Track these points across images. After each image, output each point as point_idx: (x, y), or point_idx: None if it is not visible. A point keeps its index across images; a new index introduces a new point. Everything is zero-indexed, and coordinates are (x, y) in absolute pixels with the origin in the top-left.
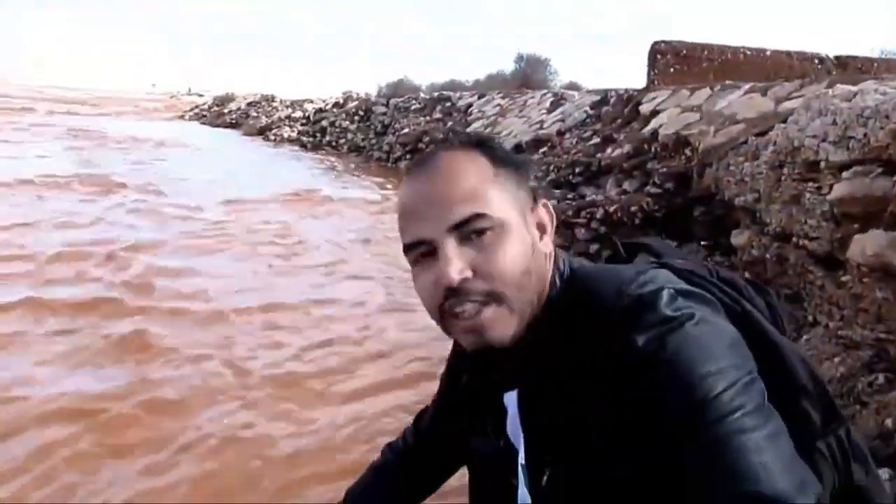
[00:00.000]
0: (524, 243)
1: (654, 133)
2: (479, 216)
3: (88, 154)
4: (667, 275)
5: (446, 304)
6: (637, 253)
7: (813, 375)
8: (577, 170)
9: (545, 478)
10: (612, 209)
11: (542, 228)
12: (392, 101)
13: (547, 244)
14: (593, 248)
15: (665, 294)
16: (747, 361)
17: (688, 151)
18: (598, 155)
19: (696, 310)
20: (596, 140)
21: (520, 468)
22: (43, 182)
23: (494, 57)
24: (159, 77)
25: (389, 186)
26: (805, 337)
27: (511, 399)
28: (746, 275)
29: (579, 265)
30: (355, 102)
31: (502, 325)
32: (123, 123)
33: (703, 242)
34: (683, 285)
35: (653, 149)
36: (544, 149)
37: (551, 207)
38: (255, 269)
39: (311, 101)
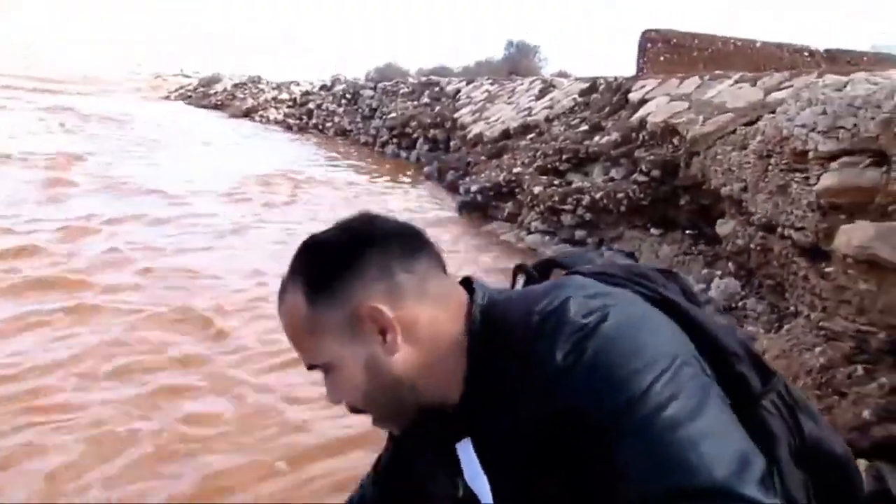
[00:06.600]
0: (355, 369)
1: (643, 121)
2: (312, 366)
3: (68, 133)
4: (577, 282)
5: None
6: (549, 271)
7: (740, 341)
8: (564, 156)
9: None
10: (598, 196)
11: (383, 331)
12: (380, 85)
13: (392, 344)
14: (579, 234)
15: (572, 303)
16: (675, 345)
17: (675, 140)
18: (586, 142)
19: (609, 307)
20: (584, 127)
21: None
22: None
23: (484, 43)
24: (145, 57)
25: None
26: (786, 327)
27: (464, 447)
28: (730, 265)
29: (492, 300)
30: (342, 85)
31: (383, 426)
32: (103, 102)
33: (688, 231)
34: (594, 288)
35: (641, 137)
36: (532, 135)
37: (380, 307)
38: None
39: (298, 84)
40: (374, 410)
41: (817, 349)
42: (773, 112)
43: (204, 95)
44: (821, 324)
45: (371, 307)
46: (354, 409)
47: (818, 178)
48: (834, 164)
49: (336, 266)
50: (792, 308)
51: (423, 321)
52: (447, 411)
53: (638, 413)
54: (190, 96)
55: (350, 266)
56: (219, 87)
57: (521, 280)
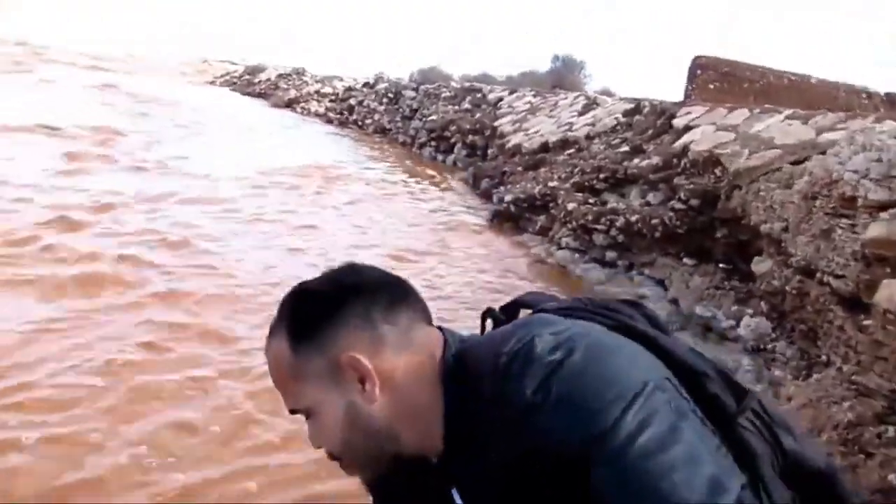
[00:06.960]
0: (335, 415)
1: (685, 148)
2: (294, 410)
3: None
4: (542, 319)
5: None
6: (516, 312)
7: (709, 362)
8: (602, 176)
9: None
10: (633, 219)
11: (362, 380)
12: (422, 87)
13: (371, 394)
14: (610, 255)
15: (538, 341)
16: (646, 371)
17: (718, 171)
18: (625, 163)
19: (575, 341)
20: (625, 148)
21: None
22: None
23: (529, 55)
24: (194, 42)
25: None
26: (815, 376)
27: (456, 493)
28: (763, 304)
29: (462, 346)
30: (385, 84)
31: (353, 473)
32: (149, 83)
33: (722, 265)
34: (559, 324)
35: (682, 164)
36: (571, 150)
37: (358, 357)
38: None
39: (341, 79)
40: (351, 456)
41: (846, 403)
42: (824, 153)
43: (248, 83)
44: (853, 378)
45: (351, 357)
46: (332, 456)
47: (865, 227)
48: (884, 215)
49: (320, 315)
50: (823, 357)
51: (402, 372)
52: (431, 460)
53: (610, 443)
54: (235, 83)
55: (333, 316)
56: (263, 77)
57: (489, 324)
